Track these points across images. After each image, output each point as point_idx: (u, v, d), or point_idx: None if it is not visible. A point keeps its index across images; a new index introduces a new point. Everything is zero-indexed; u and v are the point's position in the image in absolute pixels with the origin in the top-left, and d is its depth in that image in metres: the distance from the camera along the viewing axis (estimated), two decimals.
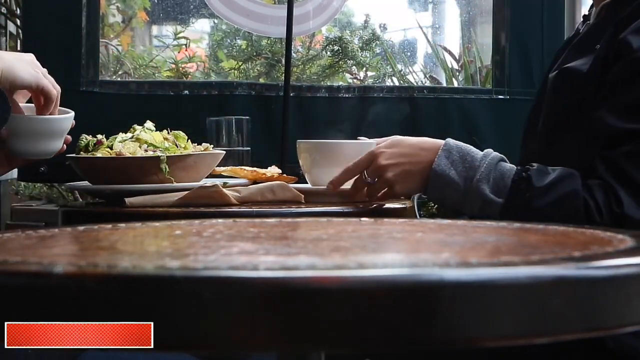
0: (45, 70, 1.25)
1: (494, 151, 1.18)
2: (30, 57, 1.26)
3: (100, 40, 2.63)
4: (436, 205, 2.51)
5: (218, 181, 1.42)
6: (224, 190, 1.35)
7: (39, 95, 1.25)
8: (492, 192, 1.11)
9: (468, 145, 1.20)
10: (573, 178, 1.08)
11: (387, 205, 1.36)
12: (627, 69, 1.10)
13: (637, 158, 1.07)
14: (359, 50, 3.08)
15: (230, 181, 1.47)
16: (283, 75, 2.29)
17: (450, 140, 1.19)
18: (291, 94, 2.39)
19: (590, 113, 1.13)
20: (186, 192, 1.35)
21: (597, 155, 1.10)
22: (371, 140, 1.34)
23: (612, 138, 1.09)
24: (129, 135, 1.48)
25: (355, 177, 1.28)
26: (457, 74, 2.99)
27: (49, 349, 0.46)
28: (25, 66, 1.22)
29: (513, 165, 1.14)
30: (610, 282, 0.47)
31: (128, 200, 1.35)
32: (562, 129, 1.20)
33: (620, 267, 0.48)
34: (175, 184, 1.39)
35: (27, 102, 1.30)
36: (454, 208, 1.16)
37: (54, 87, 1.25)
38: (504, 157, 1.17)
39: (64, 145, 1.31)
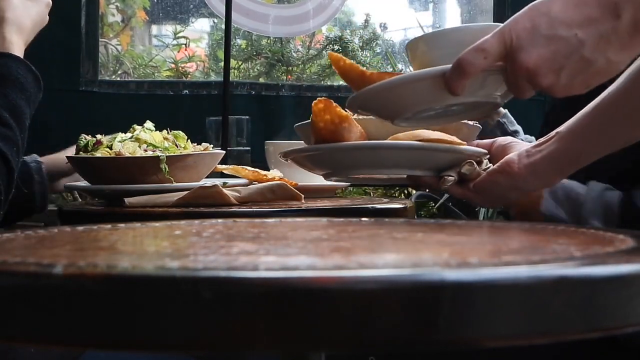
0: None
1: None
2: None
3: (100, 39, 2.64)
4: (437, 205, 2.50)
5: (218, 181, 1.42)
6: (224, 190, 1.35)
7: None
8: (603, 224, 1.10)
9: (568, 181, 1.15)
10: None
11: (388, 206, 1.36)
12: None
13: None
14: (360, 50, 3.08)
15: (230, 181, 1.47)
16: (284, 75, 2.29)
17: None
18: (291, 94, 2.39)
19: None
20: (186, 192, 1.35)
21: None
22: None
23: None
24: (129, 135, 1.48)
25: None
26: None
27: (52, 348, 0.46)
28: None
29: (620, 192, 1.13)
30: (612, 282, 0.47)
31: (127, 200, 1.35)
32: None
33: (622, 267, 0.48)
34: (175, 184, 1.39)
35: None
36: None
37: None
38: (609, 186, 1.15)
39: None
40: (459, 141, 1.11)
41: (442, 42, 0.90)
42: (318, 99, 1.13)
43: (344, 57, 0.98)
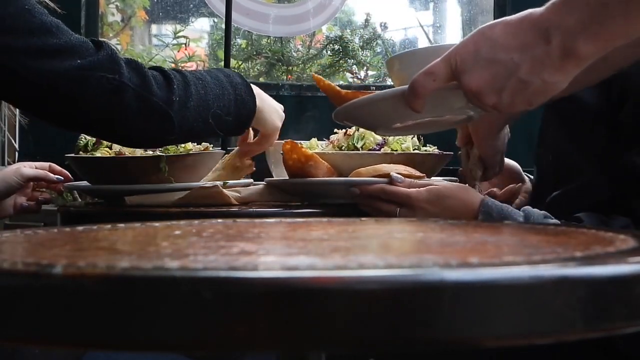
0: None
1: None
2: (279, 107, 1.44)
3: (100, 39, 2.63)
4: None
5: (218, 182, 1.42)
6: (224, 190, 1.35)
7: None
8: None
9: (506, 205, 1.21)
10: (629, 229, 1.08)
11: None
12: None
13: None
14: (360, 50, 3.08)
15: (231, 181, 1.47)
16: (284, 74, 2.29)
17: (487, 201, 1.20)
18: (291, 93, 2.39)
19: (606, 154, 1.13)
20: (186, 192, 1.34)
21: (637, 199, 1.10)
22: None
23: None
24: None
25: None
26: None
27: (52, 348, 0.46)
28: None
29: (557, 221, 1.14)
30: (613, 282, 0.47)
31: (128, 198, 1.35)
32: (573, 161, 1.20)
33: (623, 268, 0.48)
34: (175, 184, 1.39)
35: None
36: None
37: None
38: (547, 213, 1.16)
39: None
40: (418, 174, 1.32)
41: (414, 60, 0.96)
42: (285, 141, 1.37)
43: (323, 79, 1.14)
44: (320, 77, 1.15)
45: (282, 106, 1.44)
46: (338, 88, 1.07)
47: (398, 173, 1.29)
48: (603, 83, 1.13)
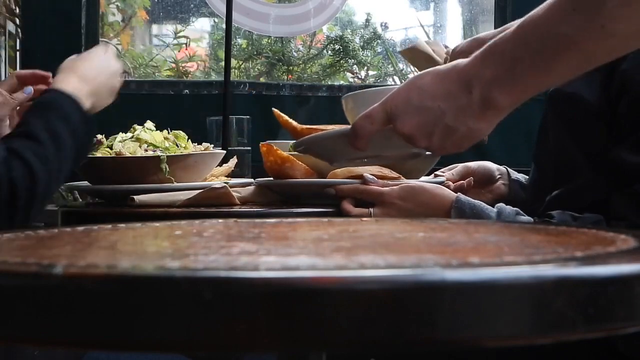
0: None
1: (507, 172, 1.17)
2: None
3: (100, 39, 2.63)
4: None
5: (217, 183, 1.42)
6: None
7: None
8: None
9: (479, 202, 1.22)
10: (601, 225, 1.08)
11: None
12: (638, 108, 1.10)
13: None
14: (360, 49, 3.08)
15: (232, 181, 1.48)
16: (285, 74, 2.30)
17: (461, 197, 1.20)
18: (292, 93, 2.39)
19: (605, 152, 1.13)
20: (196, 192, 1.35)
21: (616, 193, 1.09)
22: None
23: (632, 175, 1.09)
24: (129, 135, 1.47)
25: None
26: None
27: (52, 348, 0.46)
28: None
29: (530, 218, 1.14)
30: (613, 283, 0.47)
31: (136, 197, 1.35)
32: (573, 160, 1.20)
33: (623, 268, 0.48)
34: (176, 184, 1.39)
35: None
36: None
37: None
38: (519, 210, 1.16)
39: None
40: (394, 175, 1.36)
41: (365, 100, 1.02)
42: (262, 143, 1.41)
43: (281, 114, 1.26)
44: (279, 113, 1.24)
45: (116, 72, 1.39)
46: (294, 124, 1.17)
47: (372, 174, 1.32)
48: (603, 81, 1.13)
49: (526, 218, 1.14)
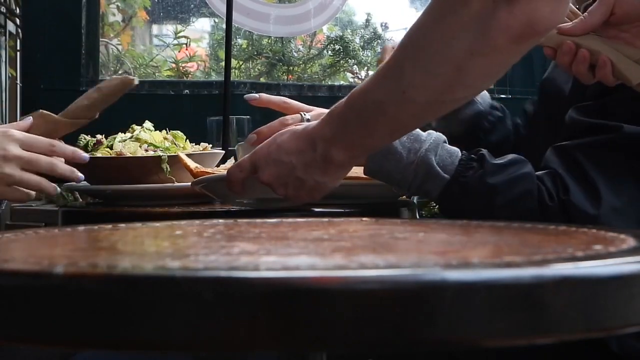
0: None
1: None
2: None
3: (100, 39, 2.64)
4: (438, 205, 2.50)
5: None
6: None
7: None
8: (439, 166, 1.07)
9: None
10: (525, 163, 1.07)
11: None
12: (600, 88, 1.08)
13: (590, 150, 1.06)
14: (360, 50, 3.08)
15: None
16: (285, 74, 2.29)
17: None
18: (292, 93, 2.39)
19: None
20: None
21: (550, 147, 1.09)
22: None
23: (571, 131, 1.09)
24: (129, 135, 1.47)
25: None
26: None
27: (52, 348, 0.46)
28: None
29: (456, 148, 1.11)
30: (613, 282, 0.47)
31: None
32: (539, 142, 1.20)
33: (623, 267, 0.48)
34: (176, 184, 1.39)
35: None
36: (390, 183, 1.11)
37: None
38: (445, 138, 1.13)
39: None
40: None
41: (250, 149, 1.13)
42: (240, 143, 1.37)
43: (182, 157, 1.31)
44: (182, 157, 1.31)
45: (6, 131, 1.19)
46: (190, 166, 1.27)
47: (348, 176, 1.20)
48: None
49: (454, 147, 1.10)
